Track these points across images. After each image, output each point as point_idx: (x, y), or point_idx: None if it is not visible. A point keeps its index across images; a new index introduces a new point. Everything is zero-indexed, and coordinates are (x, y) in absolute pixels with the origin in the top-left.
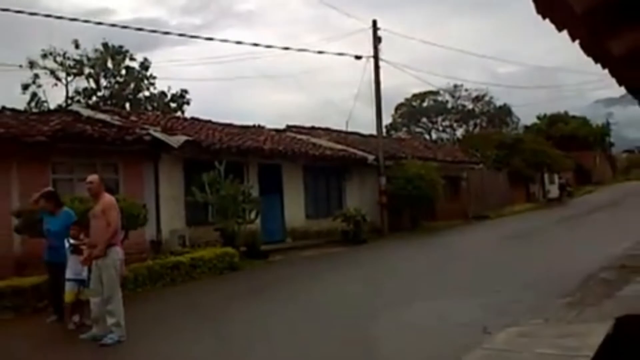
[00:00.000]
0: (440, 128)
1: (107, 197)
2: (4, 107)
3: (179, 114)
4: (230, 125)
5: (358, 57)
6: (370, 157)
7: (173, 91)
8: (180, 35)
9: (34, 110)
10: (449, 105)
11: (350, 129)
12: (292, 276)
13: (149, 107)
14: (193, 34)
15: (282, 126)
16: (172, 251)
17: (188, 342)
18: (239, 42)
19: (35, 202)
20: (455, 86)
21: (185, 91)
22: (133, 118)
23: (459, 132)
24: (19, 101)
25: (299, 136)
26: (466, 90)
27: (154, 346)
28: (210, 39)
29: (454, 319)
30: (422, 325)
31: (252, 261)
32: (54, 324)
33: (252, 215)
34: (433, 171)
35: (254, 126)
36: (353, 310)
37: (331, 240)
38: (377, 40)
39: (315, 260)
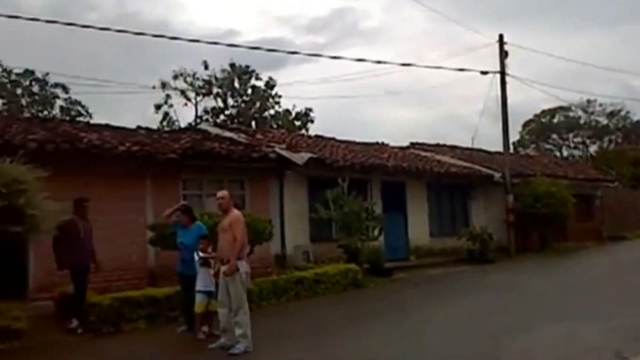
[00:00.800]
0: (572, 145)
1: (235, 212)
2: (138, 127)
3: (303, 131)
4: (353, 142)
5: (484, 73)
6: (497, 175)
7: (297, 109)
8: (292, 52)
9: (166, 128)
10: (581, 121)
11: (475, 146)
12: (416, 295)
13: (274, 125)
14: (307, 52)
15: (405, 143)
16: (296, 266)
17: (311, 356)
18: (360, 60)
19: (168, 216)
20: (589, 101)
21: (310, 109)
22: (259, 136)
23: (592, 149)
24: (152, 120)
25: (423, 153)
26: (600, 105)
27: (279, 358)
28: (317, 55)
29: (585, 343)
30: (552, 349)
31: (376, 278)
32: (185, 333)
33: (376, 232)
34: (564, 189)
35: (377, 143)
36: (478, 332)
37: (456, 259)
38: (503, 54)
39: (440, 279)
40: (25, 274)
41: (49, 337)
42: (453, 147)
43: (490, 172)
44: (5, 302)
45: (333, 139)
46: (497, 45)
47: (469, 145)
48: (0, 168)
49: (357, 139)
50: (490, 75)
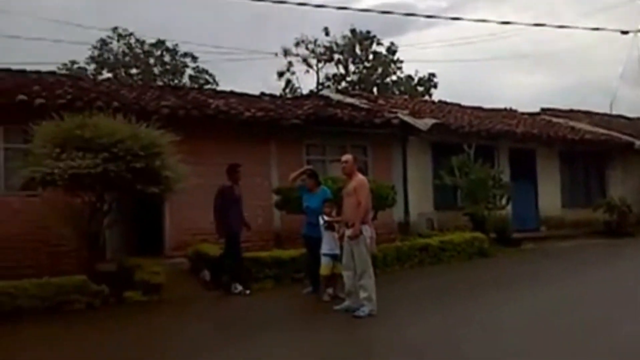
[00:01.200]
0: None
1: (360, 177)
2: (262, 93)
3: (426, 97)
4: (479, 108)
5: (624, 32)
6: (638, 142)
7: (420, 75)
8: (408, 15)
9: (288, 95)
10: None
11: (614, 112)
12: (546, 266)
13: (396, 91)
14: (432, 14)
15: (535, 109)
16: (419, 233)
17: (434, 322)
18: (482, 21)
19: (293, 180)
20: None
21: (433, 74)
22: (381, 102)
23: None
24: (275, 87)
25: (554, 119)
26: None
27: (403, 323)
28: (442, 17)
29: None
30: None
31: (503, 248)
32: (310, 294)
33: (503, 201)
34: None
35: (505, 109)
36: (607, 313)
37: (590, 232)
38: None
39: (573, 252)
40: (162, 233)
41: (184, 291)
42: (588, 113)
43: (630, 139)
44: (145, 258)
45: (458, 104)
46: (639, 2)
47: (607, 111)
48: (138, 132)
49: (483, 105)
50: (631, 35)
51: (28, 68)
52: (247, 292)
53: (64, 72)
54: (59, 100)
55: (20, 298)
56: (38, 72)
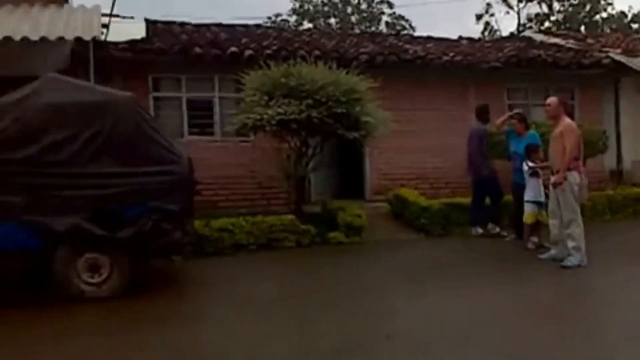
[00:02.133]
0: None
1: (567, 121)
2: (460, 37)
3: None
4: None
5: None
6: None
7: (634, 10)
8: None
9: (487, 39)
10: None
11: None
12: None
13: (607, 30)
14: None
15: None
16: (634, 183)
17: None
18: None
19: (500, 125)
20: None
21: None
22: (590, 41)
23: None
24: (473, 31)
25: None
26: None
27: (614, 277)
28: None
29: None
30: None
31: None
32: (513, 242)
33: None
34: None
35: None
36: None
37: None
38: None
39: None
40: (362, 177)
41: (385, 234)
42: None
43: None
44: (347, 201)
45: None
46: None
47: None
48: (339, 79)
49: None
50: None
51: (237, 22)
52: (497, 229)
53: (268, 24)
54: (265, 50)
55: (238, 234)
56: (245, 26)
